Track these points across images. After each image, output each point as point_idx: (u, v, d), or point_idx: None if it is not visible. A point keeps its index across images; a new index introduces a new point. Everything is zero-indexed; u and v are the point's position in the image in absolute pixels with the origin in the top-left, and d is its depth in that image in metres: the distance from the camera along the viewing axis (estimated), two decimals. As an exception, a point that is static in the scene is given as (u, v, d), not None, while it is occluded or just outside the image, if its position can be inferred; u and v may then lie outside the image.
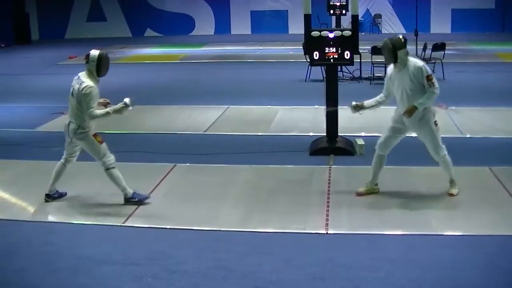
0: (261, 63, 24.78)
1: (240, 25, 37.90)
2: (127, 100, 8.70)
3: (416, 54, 20.20)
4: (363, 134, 12.42)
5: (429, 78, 8.58)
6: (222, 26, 37.99)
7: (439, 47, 19.69)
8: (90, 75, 8.75)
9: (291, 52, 26.63)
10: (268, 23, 37.66)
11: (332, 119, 11.38)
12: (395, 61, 8.67)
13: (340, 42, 11.00)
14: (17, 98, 17.86)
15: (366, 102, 9.33)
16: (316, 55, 11.08)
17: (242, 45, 31.16)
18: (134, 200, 8.95)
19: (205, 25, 38.15)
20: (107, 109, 8.74)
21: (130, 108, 8.78)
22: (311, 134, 12.54)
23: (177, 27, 37.56)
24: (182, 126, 13.47)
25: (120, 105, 8.70)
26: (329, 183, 9.77)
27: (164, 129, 13.34)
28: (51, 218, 8.65)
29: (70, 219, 8.49)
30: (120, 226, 8.25)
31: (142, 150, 11.50)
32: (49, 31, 37.93)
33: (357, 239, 7.75)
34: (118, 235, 7.99)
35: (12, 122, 14.55)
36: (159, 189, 9.52)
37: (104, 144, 8.92)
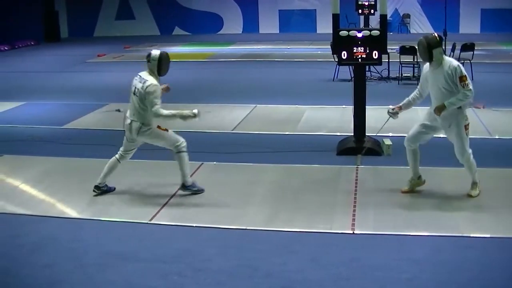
0: (289, 62, 24.75)
1: (268, 24, 37.88)
2: (196, 111, 8.88)
3: (445, 54, 20.03)
4: (390, 134, 12.37)
5: (462, 79, 8.50)
6: (250, 25, 38.01)
7: (468, 47, 19.57)
8: (151, 73, 8.98)
9: (319, 52, 26.57)
10: (296, 22, 37.63)
11: (360, 118, 11.35)
12: (430, 59, 8.63)
13: (369, 42, 10.97)
14: (46, 95, 18.02)
15: (402, 104, 9.40)
16: (344, 54, 11.06)
17: (270, 44, 31.15)
18: (194, 189, 9.19)
19: (233, 24, 38.19)
20: (174, 112, 8.90)
21: (197, 119, 8.93)
22: (338, 134, 12.52)
23: (205, 25, 37.62)
24: (209, 125, 13.48)
25: (188, 112, 8.86)
26: (356, 183, 9.74)
27: (191, 128, 13.32)
28: (78, 215, 8.69)
29: (97, 216, 8.55)
30: (147, 223, 8.29)
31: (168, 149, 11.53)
32: (78, 29, 38.18)
33: (383, 240, 7.72)
34: (144, 233, 8.03)
35: (40, 119, 14.66)
36: (186, 187, 9.55)
37: (170, 131, 9.10)
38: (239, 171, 10.32)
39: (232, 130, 13.23)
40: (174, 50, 29.17)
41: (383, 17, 11.44)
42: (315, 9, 37.39)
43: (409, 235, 7.85)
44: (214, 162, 10.62)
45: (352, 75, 12.53)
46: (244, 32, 37.73)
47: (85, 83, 20.69)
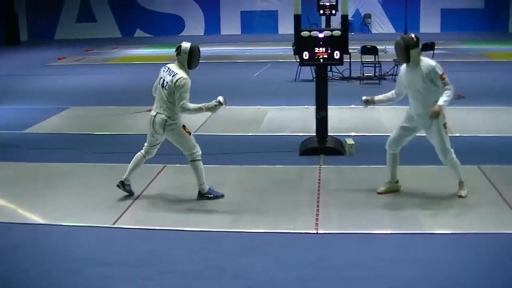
0: (251, 63, 24.78)
1: (230, 25, 37.90)
2: (221, 98, 8.73)
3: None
4: (353, 134, 12.47)
5: (442, 77, 8.56)
6: (212, 27, 37.99)
7: (429, 46, 19.74)
8: (181, 66, 8.81)
9: (281, 52, 26.65)
10: (258, 23, 37.69)
11: (322, 119, 11.40)
12: (407, 60, 8.65)
13: (330, 42, 11.03)
14: (7, 100, 17.80)
15: (377, 97, 9.34)
16: (306, 55, 11.12)
17: (232, 45, 31.19)
18: (210, 196, 9.09)
19: (195, 25, 38.13)
20: (201, 105, 8.75)
21: (224, 106, 8.79)
22: (301, 134, 12.57)
23: (167, 27, 37.51)
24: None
25: (213, 102, 8.72)
26: (319, 183, 9.79)
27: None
28: (43, 220, 8.61)
29: (61, 221, 8.46)
30: (110, 227, 8.24)
31: (133, 151, 11.46)
32: (38, 32, 37.85)
33: (347, 239, 7.78)
34: (109, 237, 7.98)
35: (1, 123, 14.50)
36: (149, 190, 9.51)
37: (192, 136, 9.02)
38: (209, 173, 10.31)
39: (195, 132, 13.15)
40: (135, 52, 29.13)
41: (344, 18, 11.50)
42: (277, 10, 37.49)
43: (373, 233, 7.92)
44: (177, 165, 10.59)
45: (314, 76, 12.59)
46: (206, 34, 37.70)
47: (46, 86, 20.52)
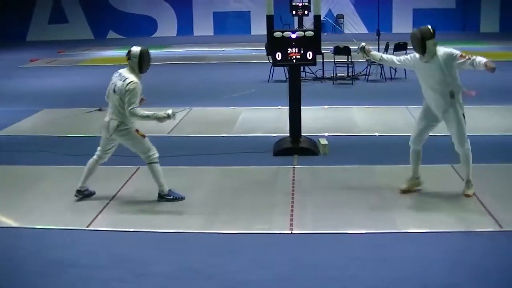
0: (224, 64, 24.78)
1: (203, 26, 37.86)
2: (170, 111, 8.76)
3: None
4: (326, 134, 12.50)
5: (462, 55, 8.53)
6: (185, 28, 37.93)
7: (401, 46, 19.84)
8: (132, 71, 8.77)
9: (254, 53, 26.67)
10: (231, 24, 37.70)
11: (295, 119, 11.43)
12: (423, 51, 8.61)
13: (303, 43, 11.05)
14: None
15: (374, 52, 9.41)
16: (278, 55, 11.13)
17: (204, 46, 31.14)
18: (170, 198, 9.05)
19: (167, 26, 38.06)
20: (149, 113, 8.75)
21: (172, 120, 8.88)
22: (274, 134, 12.58)
23: (140, 29, 37.41)
24: (144, 128, 13.31)
25: (163, 114, 8.72)
26: (293, 183, 9.81)
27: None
28: (16, 223, 8.55)
29: (34, 224, 8.39)
30: (84, 230, 8.19)
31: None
32: (10, 34, 37.50)
33: (322, 239, 7.80)
34: (83, 239, 7.93)
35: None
36: (122, 192, 9.47)
37: (147, 138, 8.96)
38: (176, 174, 10.27)
39: (168, 134, 13.16)
40: (108, 54, 28.98)
41: (317, 18, 11.51)
42: (250, 11, 37.52)
43: (348, 233, 7.94)
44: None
45: (287, 76, 12.61)
46: (179, 35, 37.64)
47: (18, 89, 20.35)
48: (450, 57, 8.55)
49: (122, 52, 28.00)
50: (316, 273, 6.85)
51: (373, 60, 9.70)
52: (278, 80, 18.89)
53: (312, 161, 10.98)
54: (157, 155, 8.98)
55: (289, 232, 7.99)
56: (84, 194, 9.14)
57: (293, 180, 9.96)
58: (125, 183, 9.82)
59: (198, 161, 11.00)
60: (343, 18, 37.09)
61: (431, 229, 7.98)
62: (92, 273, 6.94)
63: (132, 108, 8.57)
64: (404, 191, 9.20)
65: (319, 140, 11.59)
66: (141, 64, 8.76)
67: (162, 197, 9.06)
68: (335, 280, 6.71)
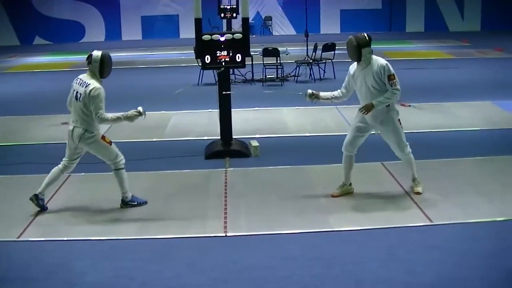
0: (153, 69, 24.63)
1: (131, 30, 37.52)
2: (140, 108, 8.65)
3: (307, 54, 20.49)
4: (257, 136, 12.55)
5: (391, 77, 8.61)
6: (113, 32, 37.53)
7: (329, 47, 20.03)
8: (93, 76, 8.59)
9: (183, 57, 26.57)
10: (159, 28, 37.45)
11: (226, 121, 11.44)
12: (359, 59, 8.69)
13: (232, 45, 11.07)
14: None
15: (322, 94, 9.29)
16: (207, 58, 11.12)
17: (133, 51, 30.89)
18: (133, 204, 8.95)
19: (95, 31, 37.59)
20: (118, 114, 8.61)
21: (143, 117, 8.73)
22: (206, 138, 12.57)
23: (67, 34, 36.86)
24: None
25: (133, 112, 8.62)
26: (225, 185, 9.82)
27: (58, 139, 13.04)
28: None
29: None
30: (15, 241, 8.03)
31: (36, 162, 11.25)
32: None
33: (256, 240, 7.84)
34: (13, 251, 7.77)
35: None
36: (54, 200, 9.29)
37: (113, 145, 8.81)
38: (108, 180, 10.14)
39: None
40: (35, 60, 28.49)
41: (245, 20, 11.53)
42: (178, 14, 37.34)
43: (282, 233, 8.00)
44: (82, 173, 10.42)
45: (217, 79, 12.62)
46: (107, 40, 37.23)
47: None
48: (383, 70, 8.64)
49: (50, 58, 27.52)
50: (252, 275, 6.88)
51: (325, 102, 9.71)
52: (208, 83, 18.86)
53: (244, 163, 11.01)
54: (123, 161, 8.89)
55: (224, 234, 8.00)
56: (38, 202, 8.84)
57: (226, 182, 9.98)
58: (56, 191, 9.64)
59: (130, 167, 10.84)
60: (271, 20, 37.22)
61: (363, 226, 8.12)
62: (23, 286, 6.82)
63: (100, 114, 8.43)
64: (335, 196, 9.22)
65: (250, 142, 11.62)
66: (102, 68, 8.60)
67: (126, 203, 8.96)
68: (271, 281, 6.75)
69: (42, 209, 8.91)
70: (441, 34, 32.99)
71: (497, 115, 14.32)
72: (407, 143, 9.06)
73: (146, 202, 9.08)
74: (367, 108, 8.68)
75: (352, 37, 8.73)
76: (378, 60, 8.73)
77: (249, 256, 7.39)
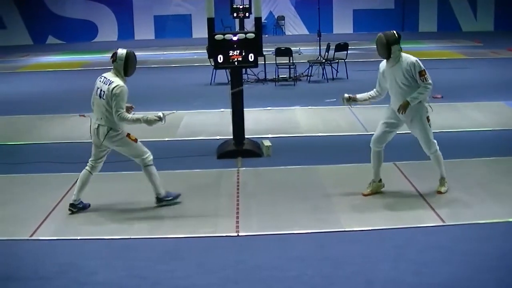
0: (165, 68, 24.65)
1: (144, 30, 37.57)
2: (161, 114, 8.64)
3: (320, 54, 20.46)
4: (269, 135, 12.54)
5: (422, 73, 8.64)
6: (126, 32, 37.59)
7: (342, 47, 20.00)
8: (117, 74, 8.59)
9: (195, 56, 26.58)
10: (172, 28, 37.46)
11: (238, 121, 11.44)
12: (388, 56, 8.71)
13: (244, 45, 11.06)
14: None
15: (359, 96, 9.33)
16: (220, 58, 11.11)
17: (146, 50, 30.89)
18: (169, 199, 8.96)
19: (108, 31, 37.66)
20: (139, 116, 8.61)
21: (163, 122, 8.69)
22: (218, 137, 12.57)
23: (80, 33, 36.95)
24: (88, 135, 13.18)
25: (153, 116, 8.61)
26: (237, 185, 9.82)
27: (70, 138, 13.11)
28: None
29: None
30: (28, 240, 8.05)
31: (49, 161, 11.29)
32: None
33: (268, 240, 7.83)
34: (25, 250, 7.79)
35: None
36: (66, 200, 9.27)
37: (139, 142, 8.79)
38: (121, 180, 10.21)
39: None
40: (48, 59, 28.58)
41: (257, 20, 11.52)
42: (190, 14, 37.36)
43: (293, 233, 7.99)
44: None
45: (229, 79, 12.62)
46: (120, 39, 37.26)
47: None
48: (413, 67, 8.66)
49: (63, 58, 27.60)
50: (262, 275, 6.87)
51: (363, 103, 9.73)
52: (220, 83, 18.86)
53: (256, 163, 11.00)
54: (151, 157, 8.85)
55: (235, 234, 7.99)
56: (78, 208, 8.84)
57: (238, 182, 9.98)
58: (68, 190, 9.65)
59: (140, 166, 10.89)
60: (284, 20, 37.20)
61: (373, 226, 8.10)
62: (34, 285, 6.83)
63: (120, 113, 8.41)
64: (366, 195, 9.21)
65: (262, 142, 11.61)
66: (126, 66, 8.59)
67: (161, 200, 8.93)
68: (280, 280, 6.74)
69: (86, 207, 8.92)
70: (453, 34, 32.89)
71: (510, 115, 14.25)
72: (435, 141, 9.05)
73: (179, 194, 9.08)
74: (403, 107, 8.70)
75: (382, 34, 8.75)
76: (408, 58, 8.75)
77: (259, 256, 7.39)
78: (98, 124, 8.63)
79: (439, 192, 9.16)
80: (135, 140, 8.78)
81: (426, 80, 8.66)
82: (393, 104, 9.01)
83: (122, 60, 8.57)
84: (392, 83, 8.86)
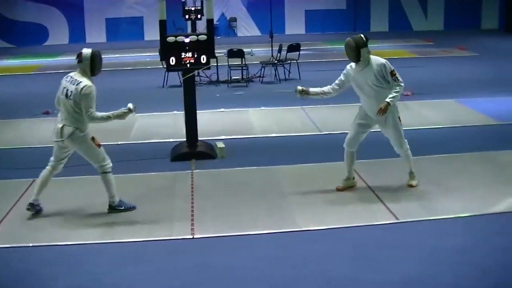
0: (118, 71, 24.45)
1: (95, 33, 37.25)
2: (130, 105, 8.55)
3: (272, 55, 20.51)
4: (223, 137, 12.54)
5: (393, 73, 8.87)
6: (77, 35, 37.22)
7: (294, 47, 20.08)
8: (84, 74, 8.48)
9: (148, 59, 26.44)
10: (124, 30, 37.25)
11: (191, 123, 11.42)
12: (358, 59, 8.82)
13: (196, 47, 11.05)
14: None
15: (312, 89, 9.43)
16: (172, 60, 11.09)
17: (98, 53, 30.68)
18: (121, 208, 8.83)
19: (59, 34, 37.26)
20: (109, 113, 8.52)
21: (134, 114, 8.62)
22: (171, 140, 12.54)
23: (30, 37, 36.49)
24: (40, 139, 13.08)
25: (122, 110, 8.54)
26: (192, 187, 9.81)
27: (21, 144, 12.96)
28: None
29: None
30: (-19, 248, 7.94)
31: (7, 167, 11.14)
32: None
33: (224, 241, 7.85)
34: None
35: None
36: (18, 206, 9.17)
37: (102, 148, 8.71)
38: (74, 184, 10.12)
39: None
40: (-2, 63, 28.20)
41: (209, 22, 11.54)
42: (142, 16, 37.17)
43: (250, 234, 8.03)
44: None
45: (182, 81, 12.59)
46: (71, 42, 36.92)
47: None
48: (384, 68, 8.87)
49: (14, 62, 27.29)
50: (222, 276, 6.90)
51: (315, 98, 9.80)
52: (173, 85, 18.80)
53: (210, 165, 11.00)
54: (110, 164, 8.81)
55: (191, 237, 7.99)
56: (36, 209, 8.76)
57: (192, 184, 9.97)
58: (21, 196, 9.55)
59: (94, 170, 10.79)
60: (236, 21, 37.21)
61: (331, 225, 8.18)
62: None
63: (90, 113, 8.35)
64: (340, 190, 9.39)
65: (216, 144, 11.62)
66: (93, 66, 8.52)
67: (113, 208, 8.86)
68: (242, 282, 6.79)
69: (41, 211, 8.83)
70: (405, 34, 33.24)
71: (461, 112, 14.48)
72: (406, 140, 9.27)
73: (134, 207, 8.98)
74: (384, 110, 8.84)
75: (350, 39, 8.91)
76: (377, 59, 8.96)
77: (217, 257, 7.39)
78: (63, 124, 8.56)
79: (411, 186, 9.42)
80: (98, 145, 8.72)
81: (397, 79, 8.89)
82: (365, 105, 9.18)
83: (87, 60, 8.52)
84: (363, 86, 9.00)
